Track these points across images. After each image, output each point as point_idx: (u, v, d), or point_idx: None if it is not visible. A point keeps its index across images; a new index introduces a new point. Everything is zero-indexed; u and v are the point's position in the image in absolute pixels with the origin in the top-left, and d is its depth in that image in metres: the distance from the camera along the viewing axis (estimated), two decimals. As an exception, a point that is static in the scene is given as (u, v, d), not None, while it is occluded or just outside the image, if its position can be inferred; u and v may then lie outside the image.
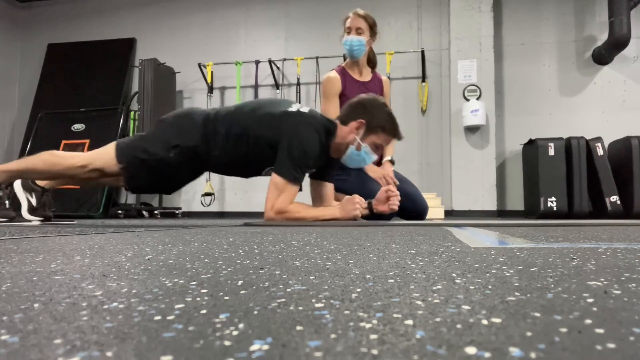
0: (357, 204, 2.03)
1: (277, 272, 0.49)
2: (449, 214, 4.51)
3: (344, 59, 2.83)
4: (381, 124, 2.04)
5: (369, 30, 2.62)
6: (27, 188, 2.12)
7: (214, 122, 1.99)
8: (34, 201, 2.11)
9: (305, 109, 2.06)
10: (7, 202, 2.07)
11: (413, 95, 5.02)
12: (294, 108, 2.03)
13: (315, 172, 2.22)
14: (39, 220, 2.09)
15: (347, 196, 2.07)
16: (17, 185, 2.09)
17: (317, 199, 2.27)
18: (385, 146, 2.15)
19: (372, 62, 2.75)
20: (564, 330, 0.25)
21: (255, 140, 1.97)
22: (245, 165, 2.06)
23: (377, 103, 2.09)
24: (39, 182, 2.14)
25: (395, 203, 2.15)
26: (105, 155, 1.96)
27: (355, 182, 2.48)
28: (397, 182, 2.52)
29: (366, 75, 2.71)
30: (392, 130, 2.07)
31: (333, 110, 2.57)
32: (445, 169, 4.78)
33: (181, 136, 1.96)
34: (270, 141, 1.96)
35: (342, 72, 2.67)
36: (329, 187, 2.29)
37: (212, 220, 3.47)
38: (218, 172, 2.20)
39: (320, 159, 2.03)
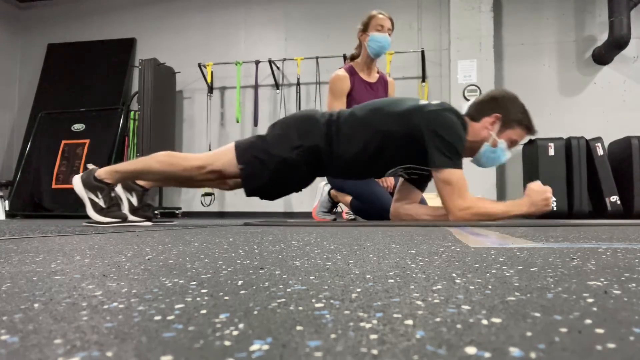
0: (549, 198, 1.85)
1: (277, 272, 0.49)
2: (449, 214, 4.50)
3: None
4: (517, 117, 1.93)
5: (390, 32, 2.65)
6: (127, 188, 2.06)
7: (337, 123, 1.94)
8: (134, 201, 2.06)
9: (435, 101, 1.96)
10: (120, 202, 2.01)
11: (413, 95, 5.02)
12: (423, 102, 1.95)
13: (415, 176, 2.12)
14: (141, 221, 2.04)
15: (535, 186, 1.89)
16: (118, 185, 2.04)
17: (402, 203, 2.19)
18: (520, 142, 2.02)
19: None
20: (564, 330, 0.25)
21: (383, 136, 1.89)
22: (368, 165, 1.98)
23: (510, 96, 1.98)
24: (140, 182, 2.08)
25: (550, 202, 1.94)
26: (224, 156, 1.93)
27: (358, 182, 2.48)
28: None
29: (373, 76, 2.72)
30: (528, 124, 1.95)
31: (339, 108, 2.54)
32: (445, 169, 4.78)
33: (304, 136, 1.91)
34: (402, 136, 1.87)
35: (351, 71, 2.65)
36: (419, 196, 2.19)
37: (212, 220, 3.48)
38: (336, 174, 2.12)
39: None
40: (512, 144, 1.96)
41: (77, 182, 1.95)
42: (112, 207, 1.93)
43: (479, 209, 1.83)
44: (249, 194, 2.02)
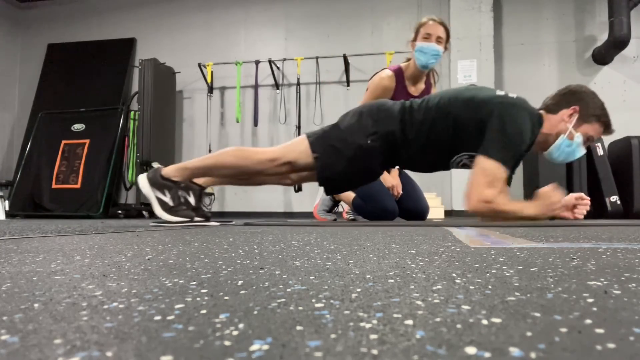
0: (559, 202, 1.85)
1: (277, 272, 0.49)
2: (449, 214, 4.51)
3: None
4: (596, 112, 1.87)
5: (445, 41, 2.42)
6: (185, 187, 2.02)
7: (410, 110, 1.92)
8: (193, 200, 2.01)
9: (513, 94, 1.90)
10: (187, 201, 1.96)
11: (413, 95, 5.02)
12: (501, 92, 1.91)
13: None
14: (202, 220, 2.01)
15: (547, 189, 1.89)
16: None
17: None
18: (595, 139, 1.94)
19: (431, 75, 2.55)
20: (564, 330, 0.25)
21: (456, 122, 1.85)
22: (439, 152, 1.94)
23: (589, 91, 1.92)
24: (197, 181, 2.04)
25: (582, 212, 1.95)
26: (297, 147, 1.92)
27: None
28: (401, 193, 2.52)
29: (419, 88, 2.50)
30: (607, 121, 1.89)
31: None
32: (445, 169, 4.78)
33: (379, 123, 1.90)
34: (476, 122, 1.83)
35: (399, 76, 2.44)
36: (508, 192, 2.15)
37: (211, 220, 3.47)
38: (408, 164, 2.06)
39: (525, 149, 1.86)
40: (587, 140, 1.90)
41: (143, 181, 1.93)
42: (179, 205, 1.91)
43: (497, 206, 1.78)
44: (323, 183, 2.00)
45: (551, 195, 1.87)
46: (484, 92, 1.91)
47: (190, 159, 2.07)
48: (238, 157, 1.92)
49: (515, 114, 1.80)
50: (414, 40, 2.42)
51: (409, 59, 2.49)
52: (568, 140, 1.88)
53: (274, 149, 1.96)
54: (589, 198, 1.97)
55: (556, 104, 1.91)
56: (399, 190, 2.53)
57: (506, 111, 1.80)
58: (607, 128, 1.92)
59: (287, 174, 2.01)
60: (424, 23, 2.43)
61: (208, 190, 5.06)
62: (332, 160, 1.90)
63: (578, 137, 1.88)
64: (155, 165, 1.98)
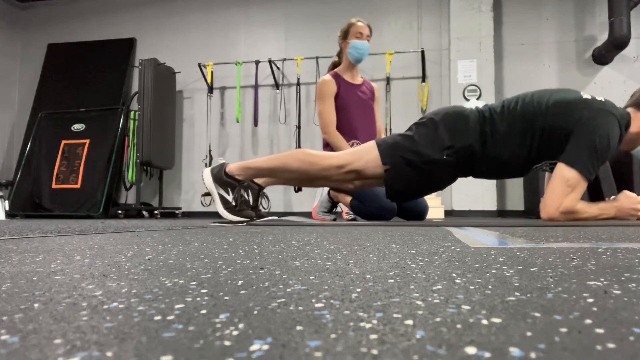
0: (637, 207, 1.78)
1: (277, 272, 0.49)
2: (449, 214, 4.51)
3: (329, 69, 2.89)
4: None
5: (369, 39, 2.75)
6: (244, 186, 1.99)
7: (491, 121, 1.84)
8: (251, 200, 1.99)
9: (600, 97, 1.83)
10: (249, 200, 1.94)
11: (413, 95, 5.02)
12: (587, 95, 1.82)
13: None
14: (256, 219, 1.99)
15: (628, 193, 1.82)
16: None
17: None
18: None
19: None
20: (564, 330, 0.25)
21: (543, 131, 1.77)
22: (524, 162, 1.86)
23: None
24: (257, 181, 2.01)
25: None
26: (366, 155, 1.87)
27: None
28: None
29: (357, 79, 2.81)
30: None
31: (329, 110, 2.64)
32: (445, 169, 4.78)
33: (456, 136, 1.82)
34: (562, 130, 1.75)
35: (336, 76, 2.75)
36: None
37: (212, 220, 3.47)
38: (486, 175, 1.99)
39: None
40: None
41: (207, 177, 1.89)
42: (241, 204, 1.89)
43: (577, 215, 1.73)
44: (391, 195, 1.95)
45: (631, 199, 1.79)
46: (570, 96, 1.81)
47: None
48: (304, 161, 1.88)
49: (604, 121, 1.72)
50: (345, 38, 2.71)
51: (334, 62, 2.85)
52: None
53: (341, 155, 1.91)
54: None
55: None
56: None
57: (595, 119, 1.72)
58: None
59: (352, 180, 1.95)
60: (353, 23, 2.69)
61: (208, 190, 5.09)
62: (404, 173, 1.84)
63: None
64: (221, 160, 1.96)
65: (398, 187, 1.91)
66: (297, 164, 1.87)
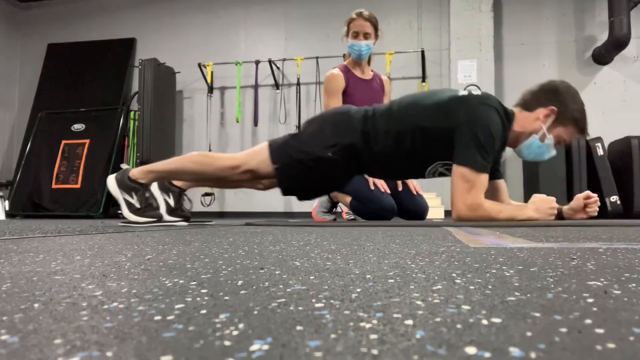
0: (554, 207, 1.82)
1: (277, 272, 0.49)
2: (449, 214, 4.50)
3: (344, 58, 2.85)
4: (574, 116, 1.81)
5: (374, 33, 2.67)
6: (164, 189, 2.05)
7: (373, 120, 1.88)
8: (171, 202, 2.05)
9: (477, 91, 1.87)
10: (153, 202, 1.99)
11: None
12: (464, 92, 1.85)
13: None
14: (177, 221, 2.04)
15: (540, 195, 1.87)
16: (154, 186, 2.02)
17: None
18: (568, 142, 1.91)
19: (370, 61, 2.82)
20: (564, 330, 0.25)
21: (424, 133, 1.82)
22: (409, 163, 1.92)
23: (572, 91, 1.85)
24: (176, 183, 2.07)
25: (595, 209, 1.92)
26: (258, 156, 1.90)
27: (356, 182, 2.48)
28: (388, 190, 2.51)
29: (367, 74, 2.76)
30: (583, 126, 1.84)
31: (336, 105, 2.56)
32: (445, 169, 4.78)
33: (339, 134, 1.87)
34: (444, 131, 1.79)
35: (345, 70, 2.70)
36: (504, 185, 2.07)
37: (212, 220, 3.47)
38: (376, 173, 2.05)
39: (500, 145, 1.84)
40: (559, 142, 1.87)
41: (111, 183, 1.94)
42: (147, 207, 1.93)
43: (484, 211, 1.77)
44: (285, 193, 1.99)
45: (547, 201, 1.83)
46: (446, 95, 1.85)
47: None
48: (200, 163, 1.92)
49: (481, 113, 1.75)
50: (347, 35, 2.67)
51: (349, 54, 2.75)
52: (539, 141, 1.84)
53: (237, 156, 1.96)
54: (596, 195, 1.94)
55: (534, 100, 1.85)
56: (384, 186, 2.53)
57: (473, 114, 1.75)
58: (582, 133, 1.88)
59: (252, 180, 1.99)
60: (352, 20, 2.63)
61: (208, 190, 5.10)
62: (292, 171, 1.88)
63: (549, 139, 1.84)
64: (124, 166, 2.00)
65: (289, 186, 1.96)
66: (194, 166, 1.92)
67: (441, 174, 1.97)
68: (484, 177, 1.77)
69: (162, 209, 2.01)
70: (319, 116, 2.00)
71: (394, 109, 1.89)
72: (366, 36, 2.64)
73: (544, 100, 1.83)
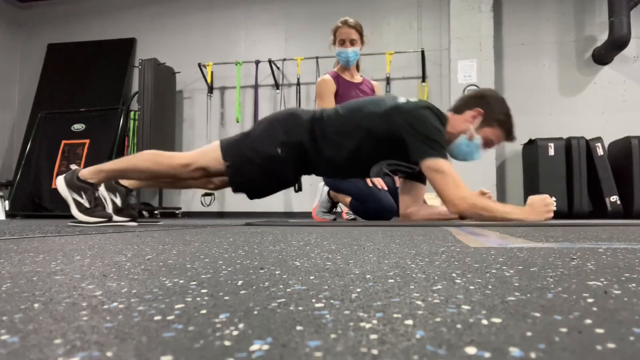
0: (550, 205, 1.85)
1: (277, 272, 0.49)
2: (449, 214, 4.50)
3: (334, 65, 2.92)
4: (500, 118, 1.93)
5: (360, 39, 2.78)
6: (110, 189, 2.08)
7: (321, 120, 1.95)
8: (118, 201, 2.07)
9: (414, 99, 1.98)
10: (105, 203, 2.01)
11: (413, 95, 5.02)
12: (402, 99, 1.95)
13: (410, 171, 2.15)
14: (126, 221, 2.06)
15: (537, 195, 1.90)
16: (101, 186, 2.05)
17: (409, 202, 2.20)
18: (496, 145, 2.03)
19: (358, 65, 2.93)
20: (564, 330, 0.25)
21: (366, 134, 1.90)
22: (354, 162, 1.98)
23: (498, 97, 2.00)
24: (123, 182, 2.10)
25: (551, 214, 1.93)
26: (210, 154, 1.94)
27: (356, 182, 2.48)
28: (386, 188, 2.51)
29: (357, 78, 2.87)
30: (509, 128, 1.95)
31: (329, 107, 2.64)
32: (445, 169, 4.78)
33: (288, 133, 1.92)
34: (384, 134, 1.88)
35: (335, 75, 2.81)
36: (423, 190, 2.19)
37: (212, 220, 3.48)
38: (324, 172, 2.12)
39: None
40: (487, 143, 1.98)
41: (60, 183, 1.96)
42: (96, 207, 1.94)
43: (478, 201, 1.81)
44: (236, 190, 2.04)
45: (543, 201, 1.87)
46: (387, 102, 1.94)
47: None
48: (151, 161, 1.94)
49: (419, 115, 1.86)
50: (334, 43, 2.79)
51: (337, 61, 2.87)
52: (467, 140, 1.94)
53: (188, 154, 1.98)
54: (553, 198, 1.98)
55: (463, 104, 1.98)
56: (382, 184, 2.53)
57: (413, 116, 1.85)
58: (508, 134, 1.97)
59: (204, 178, 2.02)
60: (337, 28, 2.76)
61: (208, 190, 5.09)
62: (243, 169, 1.92)
63: (477, 140, 1.94)
64: (73, 167, 2.02)
65: (239, 183, 2.00)
66: (145, 164, 1.94)
67: (387, 174, 2.07)
68: (450, 164, 1.86)
69: (109, 209, 2.03)
70: (269, 116, 2.05)
71: (340, 113, 1.97)
72: (352, 42, 2.74)
73: (472, 104, 1.95)
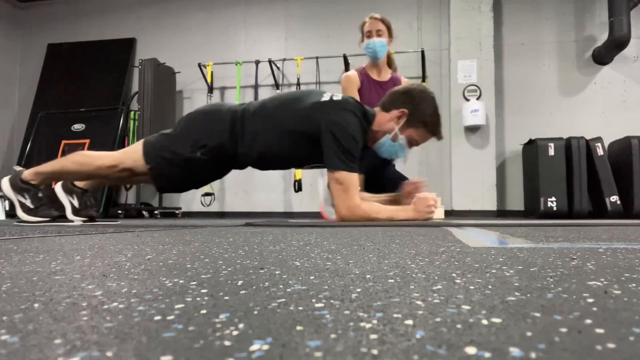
0: (431, 205, 1.91)
1: (277, 272, 0.49)
2: (449, 214, 4.50)
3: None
4: (424, 119, 1.93)
5: (388, 32, 2.69)
6: (67, 190, 2.10)
7: (242, 121, 1.93)
8: (75, 202, 2.10)
9: (338, 96, 1.96)
10: (74, 203, 2.07)
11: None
12: (326, 97, 1.93)
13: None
14: (83, 221, 2.08)
15: (423, 194, 1.94)
16: (58, 188, 2.08)
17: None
18: (422, 143, 2.03)
19: (392, 63, 2.81)
20: (564, 330, 0.25)
21: (288, 136, 1.89)
22: (277, 161, 2.01)
23: (426, 95, 1.97)
24: (78, 184, 2.13)
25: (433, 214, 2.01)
26: (133, 155, 1.95)
27: None
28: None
29: (385, 76, 2.75)
30: (432, 128, 1.96)
31: None
32: (445, 169, 4.78)
33: (208, 135, 1.91)
34: (307, 135, 1.88)
35: (362, 71, 2.73)
36: (360, 180, 2.18)
37: (212, 220, 3.47)
38: (252, 166, 2.13)
39: (362, 144, 1.94)
40: (411, 143, 1.98)
41: (5, 185, 1.99)
42: (39, 207, 1.98)
43: (363, 212, 1.86)
44: (160, 190, 2.08)
45: (424, 201, 1.91)
46: (311, 99, 1.93)
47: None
48: (79, 163, 1.96)
49: (337, 117, 1.85)
50: (362, 41, 2.71)
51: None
52: (391, 141, 1.95)
53: (113, 155, 2.00)
54: (436, 199, 2.02)
55: (391, 102, 1.97)
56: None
57: (332, 120, 1.84)
58: (433, 134, 1.98)
59: (132, 177, 2.04)
60: (363, 23, 2.70)
61: (208, 190, 5.10)
62: (164, 171, 1.93)
63: (402, 139, 1.95)
64: (17, 168, 2.06)
65: (162, 184, 2.02)
66: (74, 166, 1.97)
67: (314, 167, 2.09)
68: (355, 177, 1.88)
69: (68, 210, 2.07)
70: (191, 114, 2.04)
71: (264, 110, 1.95)
72: (379, 33, 2.64)
73: (399, 103, 1.94)
